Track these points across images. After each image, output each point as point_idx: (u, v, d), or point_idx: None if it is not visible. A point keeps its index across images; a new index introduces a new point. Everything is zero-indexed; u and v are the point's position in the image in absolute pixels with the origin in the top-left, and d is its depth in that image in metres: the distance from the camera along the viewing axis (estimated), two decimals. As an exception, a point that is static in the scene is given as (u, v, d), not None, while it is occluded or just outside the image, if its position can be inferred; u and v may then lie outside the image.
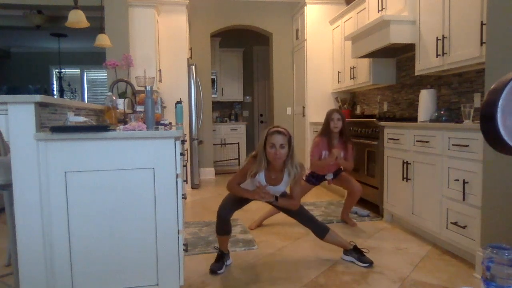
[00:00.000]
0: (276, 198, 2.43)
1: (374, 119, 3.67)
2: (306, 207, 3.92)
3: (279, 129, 2.29)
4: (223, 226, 2.44)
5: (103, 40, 4.02)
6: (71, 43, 8.15)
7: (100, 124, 2.44)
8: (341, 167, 3.37)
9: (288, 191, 2.53)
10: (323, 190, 4.85)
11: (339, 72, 5.19)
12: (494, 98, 1.01)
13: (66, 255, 1.76)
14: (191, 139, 5.26)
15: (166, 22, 5.09)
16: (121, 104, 3.33)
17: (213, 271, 2.36)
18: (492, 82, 1.70)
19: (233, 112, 7.63)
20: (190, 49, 5.73)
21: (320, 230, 2.50)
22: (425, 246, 2.78)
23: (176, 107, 3.33)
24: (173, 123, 3.90)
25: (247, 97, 7.87)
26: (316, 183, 3.40)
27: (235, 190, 2.45)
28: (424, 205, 2.84)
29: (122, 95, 3.96)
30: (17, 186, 1.70)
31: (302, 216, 2.52)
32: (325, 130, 3.26)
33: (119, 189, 1.79)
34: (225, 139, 7.06)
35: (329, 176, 3.34)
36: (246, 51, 7.68)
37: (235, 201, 2.48)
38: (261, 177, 2.36)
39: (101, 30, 4.19)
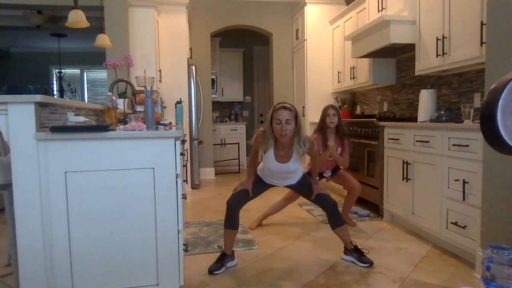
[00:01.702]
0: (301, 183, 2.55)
1: (374, 119, 3.67)
2: (305, 207, 3.95)
3: (285, 104, 2.28)
4: (231, 219, 2.42)
5: (103, 40, 4.02)
6: (71, 43, 8.15)
7: (100, 124, 2.44)
8: (338, 163, 3.39)
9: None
10: (323, 190, 4.85)
11: (339, 72, 5.19)
12: (494, 98, 1.01)
13: (66, 255, 1.76)
14: (191, 139, 5.26)
15: (166, 22, 5.09)
16: (121, 104, 3.33)
17: (210, 271, 2.35)
18: (492, 82, 1.70)
19: (233, 112, 7.63)
20: (190, 49, 5.73)
21: (336, 220, 2.50)
22: (425, 246, 2.78)
23: (176, 107, 3.32)
24: (173, 123, 3.90)
25: (247, 97, 7.87)
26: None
27: (251, 165, 2.56)
28: (424, 205, 2.84)
29: (122, 95, 3.96)
30: (17, 186, 1.70)
31: (327, 202, 2.49)
32: (321, 126, 3.27)
33: (119, 189, 1.79)
34: (225, 139, 7.06)
35: (327, 174, 3.34)
36: (246, 51, 7.68)
37: (246, 192, 2.48)
38: (270, 154, 2.37)
39: (101, 30, 4.19)
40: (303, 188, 2.58)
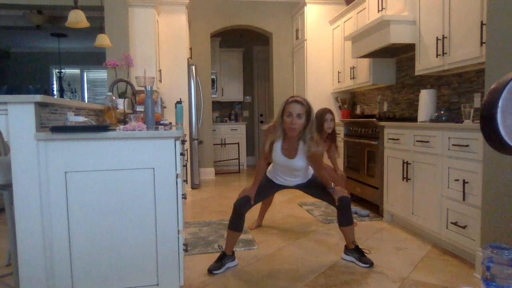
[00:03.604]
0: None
1: (374, 119, 3.67)
2: (305, 207, 3.95)
3: (298, 98, 2.27)
4: (236, 221, 2.42)
5: (103, 40, 4.02)
6: (71, 43, 8.15)
7: (100, 124, 2.44)
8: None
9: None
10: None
11: (339, 72, 5.19)
12: (494, 98, 1.01)
13: (66, 255, 1.76)
14: (191, 139, 5.26)
15: (166, 22, 5.09)
16: (121, 104, 3.33)
17: (210, 270, 2.35)
18: (492, 82, 1.70)
19: (233, 112, 7.63)
20: (190, 49, 5.73)
21: (346, 219, 2.49)
22: (425, 246, 2.78)
23: (176, 107, 3.32)
24: (173, 123, 3.90)
25: (247, 97, 7.87)
26: None
27: (257, 172, 2.50)
28: (424, 205, 2.84)
29: (122, 95, 3.95)
30: (17, 186, 1.70)
31: (340, 199, 2.45)
32: (317, 129, 3.28)
33: (119, 189, 1.79)
34: (225, 139, 7.06)
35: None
36: (246, 51, 7.68)
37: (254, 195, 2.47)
38: (277, 145, 2.35)
39: (101, 30, 4.19)
40: (314, 188, 2.57)
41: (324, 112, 3.28)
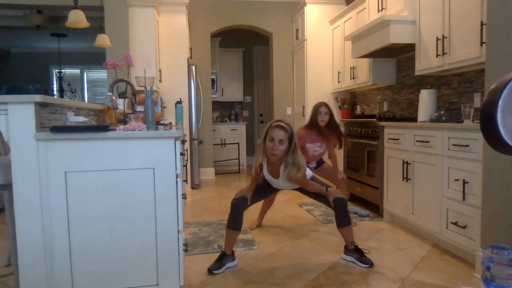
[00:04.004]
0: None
1: (374, 119, 3.67)
2: (305, 207, 3.95)
3: (281, 123, 2.27)
4: (234, 220, 2.44)
5: (103, 40, 4.02)
6: (71, 43, 8.15)
7: (100, 124, 2.44)
8: (323, 158, 3.47)
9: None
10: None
11: (339, 72, 5.19)
12: (494, 98, 1.01)
13: (66, 255, 1.76)
14: (191, 139, 5.26)
15: (166, 22, 5.09)
16: (121, 104, 3.33)
17: (210, 270, 2.35)
18: (492, 82, 1.70)
19: (233, 112, 7.63)
20: (190, 49, 5.73)
21: (344, 220, 2.49)
22: (425, 246, 2.78)
23: (176, 107, 3.32)
24: (173, 123, 3.90)
25: (247, 97, 7.87)
26: None
27: (253, 178, 2.55)
28: (424, 205, 2.84)
29: (122, 95, 3.95)
30: (17, 186, 1.70)
31: (337, 201, 2.46)
32: (312, 123, 3.28)
33: (119, 189, 1.79)
34: (225, 139, 7.06)
35: (312, 165, 3.41)
36: (246, 51, 7.68)
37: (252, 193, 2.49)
38: (264, 165, 2.44)
39: (101, 30, 4.19)
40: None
41: (319, 105, 3.29)
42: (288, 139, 2.26)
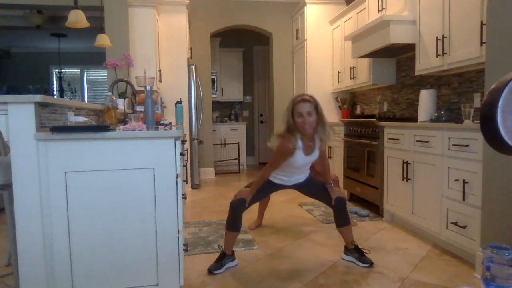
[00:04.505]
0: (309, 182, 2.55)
1: (374, 119, 3.67)
2: (305, 207, 3.95)
3: (304, 96, 2.29)
4: (233, 221, 2.43)
5: (103, 40, 4.02)
6: (71, 43, 8.15)
7: (100, 124, 2.44)
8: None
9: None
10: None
11: (339, 72, 5.19)
12: (494, 98, 1.01)
13: (66, 255, 1.76)
14: (191, 139, 5.26)
15: (166, 22, 5.09)
16: (121, 104, 3.33)
17: (210, 270, 2.35)
18: (492, 82, 1.70)
19: (233, 112, 7.63)
20: (190, 49, 5.73)
21: (343, 220, 2.50)
22: (425, 246, 2.78)
23: (176, 107, 3.32)
24: (173, 123, 3.90)
25: (247, 97, 7.87)
26: None
27: (261, 180, 2.49)
28: (424, 205, 2.84)
29: (122, 95, 3.95)
30: (17, 186, 1.70)
31: (336, 200, 2.47)
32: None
33: (119, 189, 1.79)
34: (225, 139, 7.06)
35: None
36: (246, 51, 7.68)
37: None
38: (299, 151, 2.33)
39: (101, 30, 4.19)
40: (312, 187, 2.58)
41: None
42: (315, 109, 2.27)
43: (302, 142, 2.35)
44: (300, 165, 2.43)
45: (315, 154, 2.43)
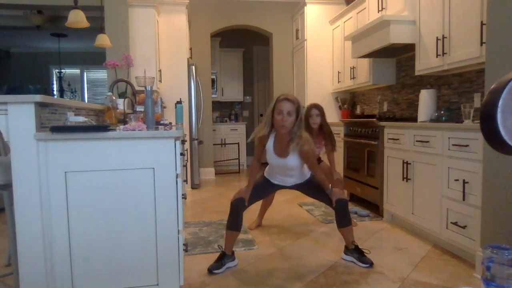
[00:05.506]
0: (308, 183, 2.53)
1: (374, 119, 3.67)
2: (305, 207, 3.95)
3: (288, 96, 2.30)
4: (234, 220, 2.43)
5: (103, 40, 4.02)
6: (71, 43, 8.15)
7: (100, 124, 2.44)
8: (321, 157, 3.45)
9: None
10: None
11: (339, 72, 5.19)
12: (494, 98, 1.01)
13: (66, 255, 1.76)
14: (191, 139, 5.26)
15: (166, 22, 5.09)
16: (121, 104, 3.33)
17: (210, 270, 2.35)
18: (492, 82, 1.70)
19: (233, 112, 7.64)
20: (190, 49, 5.73)
21: (344, 220, 2.49)
22: (425, 246, 2.78)
23: (176, 107, 3.32)
24: (173, 123, 3.90)
25: (247, 97, 7.88)
26: None
27: (250, 174, 2.53)
28: (424, 205, 2.84)
29: (122, 95, 3.95)
30: (17, 186, 1.70)
31: (338, 201, 2.46)
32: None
33: (119, 189, 1.79)
34: (225, 139, 7.06)
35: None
36: (246, 51, 7.68)
37: (251, 192, 2.48)
38: (269, 146, 2.39)
39: (101, 30, 4.19)
40: (312, 189, 2.56)
41: (310, 107, 3.25)
42: (296, 111, 2.27)
43: (274, 140, 2.38)
44: (274, 165, 2.45)
45: (292, 160, 2.36)
